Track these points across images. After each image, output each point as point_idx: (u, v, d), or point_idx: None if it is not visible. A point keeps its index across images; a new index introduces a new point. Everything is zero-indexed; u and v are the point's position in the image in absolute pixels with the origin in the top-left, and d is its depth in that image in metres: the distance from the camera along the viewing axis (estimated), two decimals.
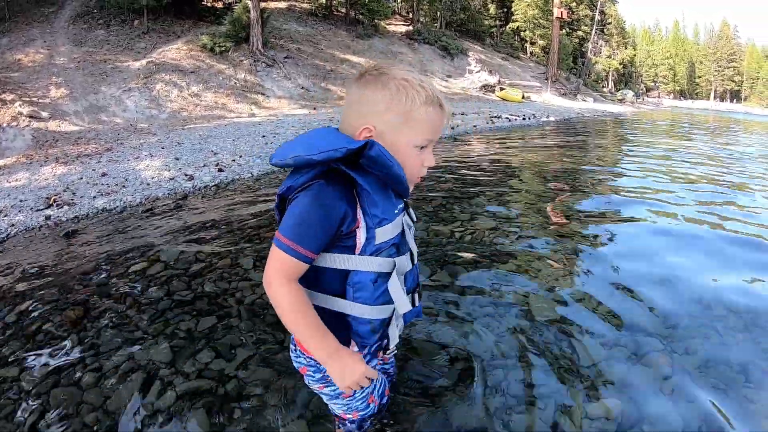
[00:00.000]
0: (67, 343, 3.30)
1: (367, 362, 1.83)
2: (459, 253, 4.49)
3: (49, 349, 3.24)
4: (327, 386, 1.85)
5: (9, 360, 3.15)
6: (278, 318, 1.51)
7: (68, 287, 4.28)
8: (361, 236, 1.56)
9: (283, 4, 34.00)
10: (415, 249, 1.80)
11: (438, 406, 2.47)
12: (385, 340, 1.77)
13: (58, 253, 5.32)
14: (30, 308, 3.90)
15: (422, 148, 1.63)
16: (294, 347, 1.87)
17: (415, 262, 1.80)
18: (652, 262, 4.31)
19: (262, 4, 25.33)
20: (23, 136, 13.01)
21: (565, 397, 2.51)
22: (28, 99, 15.11)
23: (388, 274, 1.63)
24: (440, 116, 1.61)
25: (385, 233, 1.60)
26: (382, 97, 1.54)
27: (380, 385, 2.02)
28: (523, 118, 22.63)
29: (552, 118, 24.85)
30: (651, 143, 15.14)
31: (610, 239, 4.93)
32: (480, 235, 5.03)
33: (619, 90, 66.70)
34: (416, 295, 1.83)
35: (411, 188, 1.71)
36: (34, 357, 3.16)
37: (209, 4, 29.33)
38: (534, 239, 4.92)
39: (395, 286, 1.64)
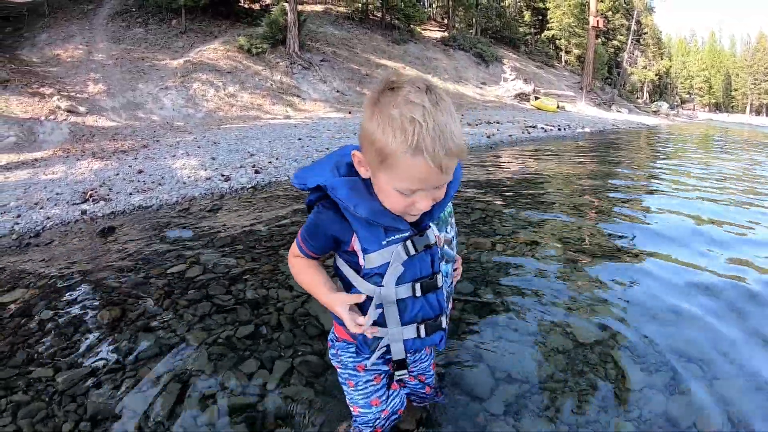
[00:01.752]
0: (104, 344, 3.20)
1: (371, 366, 1.91)
2: (499, 269, 4.36)
3: (86, 350, 3.14)
4: (339, 367, 1.99)
5: (44, 359, 3.06)
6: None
7: (105, 285, 4.18)
8: (361, 258, 1.61)
9: (319, 8, 34.08)
10: (438, 278, 1.71)
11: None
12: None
13: (95, 250, 5.24)
14: (65, 306, 3.81)
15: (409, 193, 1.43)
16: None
17: (418, 294, 1.68)
18: (696, 288, 4.10)
19: (299, 7, 25.28)
20: (60, 130, 13.05)
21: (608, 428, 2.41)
22: (66, 93, 15.22)
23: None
24: (422, 168, 1.31)
25: (370, 260, 1.59)
26: (368, 127, 1.37)
27: (396, 399, 2.06)
28: (559, 129, 22.28)
29: (587, 129, 24.43)
30: (690, 158, 14.78)
31: (654, 262, 4.69)
32: (521, 249, 4.89)
33: (654, 101, 65.77)
34: (423, 327, 1.73)
35: (411, 218, 1.59)
36: (70, 357, 3.06)
37: (246, 6, 29.39)
38: (576, 256, 4.78)
39: (373, 314, 1.65)
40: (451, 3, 41.11)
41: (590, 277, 4.22)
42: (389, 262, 1.59)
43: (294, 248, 1.75)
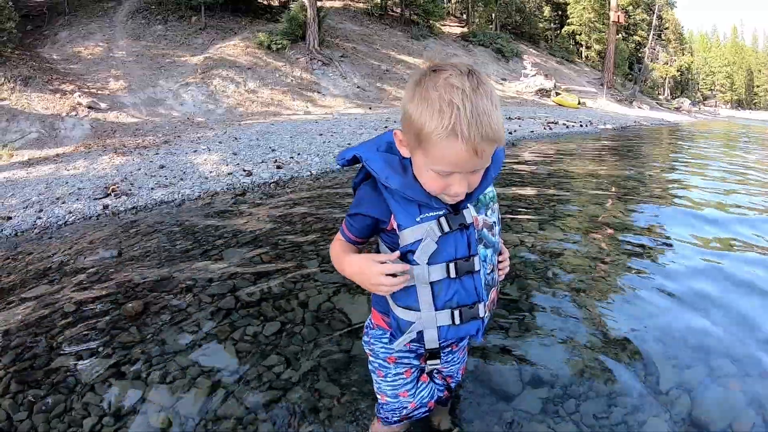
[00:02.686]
0: (128, 338, 3.19)
1: (403, 356, 1.89)
2: (527, 265, 4.28)
3: (109, 343, 3.14)
4: (371, 355, 1.96)
5: (65, 352, 3.07)
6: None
7: (128, 280, 4.17)
8: (400, 236, 1.57)
9: (338, 3, 34.07)
10: (475, 261, 1.63)
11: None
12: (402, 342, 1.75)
13: (118, 244, 5.25)
14: (88, 299, 3.81)
15: (445, 175, 1.42)
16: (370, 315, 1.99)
17: (453, 275, 1.61)
18: (730, 283, 3.99)
19: (318, 3, 25.29)
20: (82, 126, 13.18)
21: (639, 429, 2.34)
22: (87, 90, 15.35)
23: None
24: (456, 151, 1.31)
25: (404, 237, 1.56)
26: (408, 108, 1.38)
27: (424, 391, 2.00)
28: (581, 125, 21.93)
29: (609, 126, 24.07)
30: (713, 154, 14.51)
31: (686, 255, 4.59)
32: (549, 245, 4.79)
33: (676, 98, 65.03)
34: (458, 313, 1.65)
35: (450, 201, 1.54)
36: (91, 350, 3.07)
37: (265, 2, 29.48)
38: (604, 252, 4.70)
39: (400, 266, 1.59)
40: None
41: (619, 273, 4.14)
42: (422, 239, 1.55)
43: (337, 234, 1.74)
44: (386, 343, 1.87)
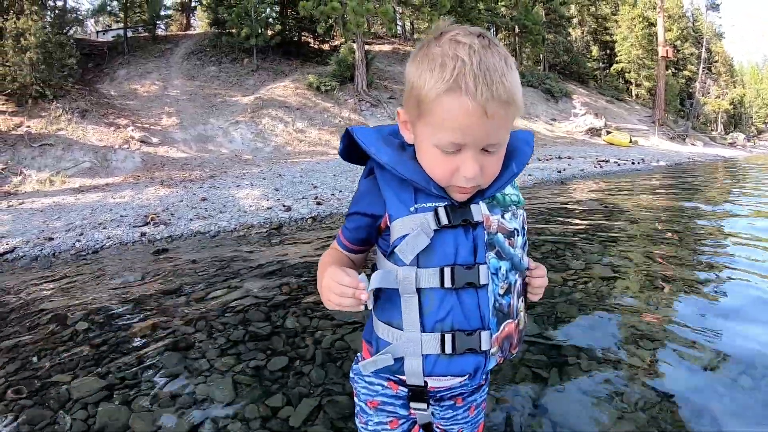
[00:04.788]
0: (128, 360, 3.18)
1: (387, 402, 1.46)
2: (571, 307, 3.91)
3: (110, 363, 3.15)
4: (355, 395, 1.57)
5: (67, 366, 3.12)
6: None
7: (144, 303, 4.25)
8: (390, 231, 1.26)
9: (387, 47, 34.62)
10: (481, 272, 1.23)
11: None
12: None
13: (145, 269, 5.37)
14: (102, 319, 3.92)
15: (453, 151, 1.13)
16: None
17: (448, 285, 1.22)
18: None
19: (367, 47, 25.73)
20: (133, 159, 13.71)
21: None
22: (140, 125, 16.01)
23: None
24: (461, 110, 1.04)
25: (395, 230, 1.23)
26: (408, 72, 1.17)
27: None
28: (632, 163, 21.48)
29: (662, 163, 23.42)
30: None
31: (748, 299, 4.09)
32: (595, 285, 4.42)
33: (729, 133, 63.45)
34: (449, 337, 1.23)
35: (459, 196, 1.22)
36: (91, 367, 3.10)
37: (316, 47, 30.18)
38: (659, 293, 4.27)
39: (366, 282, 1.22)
40: (518, 40, 41.06)
41: (677, 318, 3.65)
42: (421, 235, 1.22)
43: (332, 247, 1.46)
44: (369, 383, 1.48)
